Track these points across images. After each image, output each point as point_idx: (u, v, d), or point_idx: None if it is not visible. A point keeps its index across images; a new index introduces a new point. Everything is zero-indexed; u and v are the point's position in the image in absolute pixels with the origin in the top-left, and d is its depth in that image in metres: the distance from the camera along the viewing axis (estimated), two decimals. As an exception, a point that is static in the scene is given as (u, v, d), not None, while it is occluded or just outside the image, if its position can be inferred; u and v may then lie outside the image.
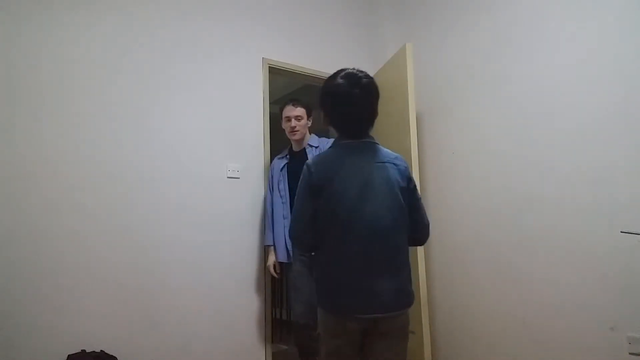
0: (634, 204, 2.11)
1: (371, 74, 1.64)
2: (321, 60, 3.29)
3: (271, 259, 2.68)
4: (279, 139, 3.02)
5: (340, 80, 1.57)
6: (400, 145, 2.85)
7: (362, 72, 1.60)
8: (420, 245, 1.70)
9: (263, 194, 2.89)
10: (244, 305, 2.72)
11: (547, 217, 2.45)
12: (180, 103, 2.65)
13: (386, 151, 1.63)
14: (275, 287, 4.13)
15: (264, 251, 2.82)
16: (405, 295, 1.53)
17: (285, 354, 3.70)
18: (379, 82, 1.63)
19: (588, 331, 2.23)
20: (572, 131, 2.37)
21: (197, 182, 2.65)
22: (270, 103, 3.03)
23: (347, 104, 1.57)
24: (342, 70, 1.61)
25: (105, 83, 2.42)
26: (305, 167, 1.60)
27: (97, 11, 2.44)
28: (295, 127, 2.67)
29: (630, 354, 2.08)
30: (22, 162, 2.15)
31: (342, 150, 1.60)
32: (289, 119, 2.69)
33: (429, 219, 1.68)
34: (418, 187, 1.68)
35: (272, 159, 2.96)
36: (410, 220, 1.59)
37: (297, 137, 2.70)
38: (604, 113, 2.25)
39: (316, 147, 2.69)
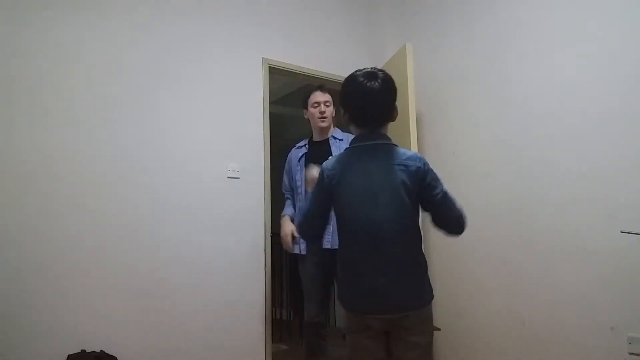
0: (634, 204, 2.11)
1: (371, 74, 1.65)
2: (321, 60, 3.29)
3: (287, 227, 2.53)
4: (279, 139, 3.02)
5: (358, 75, 1.61)
6: (400, 145, 2.85)
7: (381, 70, 1.64)
8: (458, 235, 1.67)
9: (263, 194, 2.89)
10: (244, 305, 2.72)
11: (547, 217, 2.45)
12: (180, 103, 2.65)
13: (398, 152, 1.64)
14: (275, 286, 4.13)
15: (265, 251, 2.82)
16: (415, 295, 1.56)
17: (286, 353, 3.70)
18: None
19: (588, 331, 2.23)
20: (572, 131, 2.37)
21: (197, 182, 2.65)
22: (270, 103, 3.03)
23: (364, 98, 1.61)
24: (361, 69, 1.66)
25: (106, 83, 2.42)
26: (320, 169, 1.69)
27: (96, 11, 2.44)
28: (324, 112, 2.60)
29: (630, 354, 2.07)
30: (22, 162, 2.15)
31: (353, 154, 1.65)
32: (318, 104, 2.61)
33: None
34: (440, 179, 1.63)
35: (272, 159, 2.96)
36: (436, 217, 1.61)
37: (325, 123, 2.61)
38: (604, 113, 2.25)
39: (340, 140, 2.61)
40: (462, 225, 1.64)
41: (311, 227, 1.70)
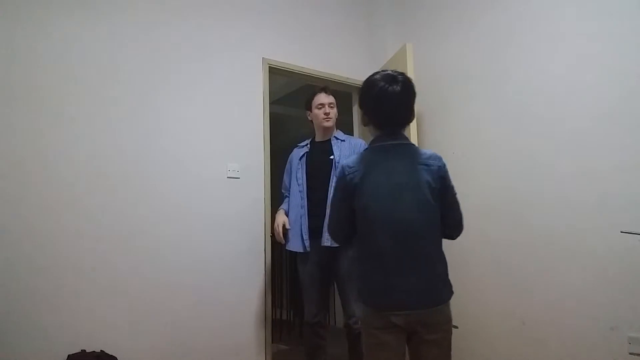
0: (634, 204, 2.11)
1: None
2: (321, 60, 3.29)
3: (280, 218, 2.61)
4: (279, 139, 3.01)
5: (379, 79, 1.63)
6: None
7: (400, 73, 1.65)
8: (453, 239, 1.76)
9: (263, 194, 2.89)
10: (245, 305, 2.72)
11: (547, 217, 2.45)
12: (180, 103, 2.65)
13: (419, 152, 1.67)
14: (275, 286, 4.13)
15: (265, 251, 2.82)
16: (437, 292, 1.57)
17: (286, 353, 3.71)
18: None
19: (588, 331, 2.23)
20: (572, 131, 2.37)
21: (197, 182, 2.65)
22: (270, 103, 3.03)
23: (386, 103, 1.62)
24: (380, 71, 1.67)
25: (105, 83, 2.42)
26: (340, 167, 1.70)
27: (96, 11, 2.44)
28: (329, 113, 2.65)
29: (630, 354, 2.07)
30: (22, 162, 2.15)
31: (375, 153, 1.67)
32: (322, 106, 2.65)
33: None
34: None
35: (272, 159, 2.96)
36: (445, 217, 1.65)
37: (330, 123, 2.66)
38: (604, 113, 2.25)
39: (342, 141, 2.65)
40: (461, 230, 1.74)
41: (340, 228, 1.72)
